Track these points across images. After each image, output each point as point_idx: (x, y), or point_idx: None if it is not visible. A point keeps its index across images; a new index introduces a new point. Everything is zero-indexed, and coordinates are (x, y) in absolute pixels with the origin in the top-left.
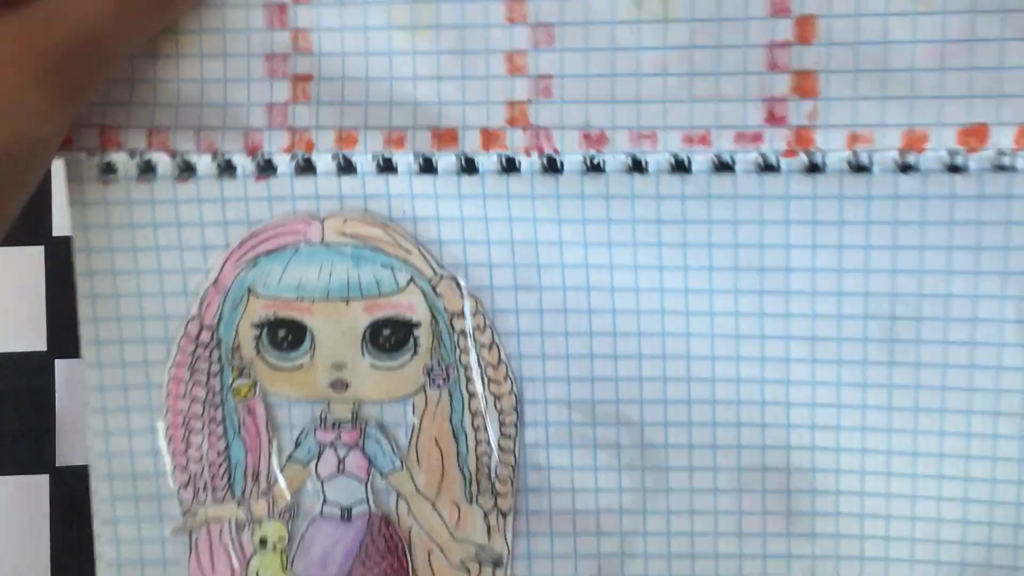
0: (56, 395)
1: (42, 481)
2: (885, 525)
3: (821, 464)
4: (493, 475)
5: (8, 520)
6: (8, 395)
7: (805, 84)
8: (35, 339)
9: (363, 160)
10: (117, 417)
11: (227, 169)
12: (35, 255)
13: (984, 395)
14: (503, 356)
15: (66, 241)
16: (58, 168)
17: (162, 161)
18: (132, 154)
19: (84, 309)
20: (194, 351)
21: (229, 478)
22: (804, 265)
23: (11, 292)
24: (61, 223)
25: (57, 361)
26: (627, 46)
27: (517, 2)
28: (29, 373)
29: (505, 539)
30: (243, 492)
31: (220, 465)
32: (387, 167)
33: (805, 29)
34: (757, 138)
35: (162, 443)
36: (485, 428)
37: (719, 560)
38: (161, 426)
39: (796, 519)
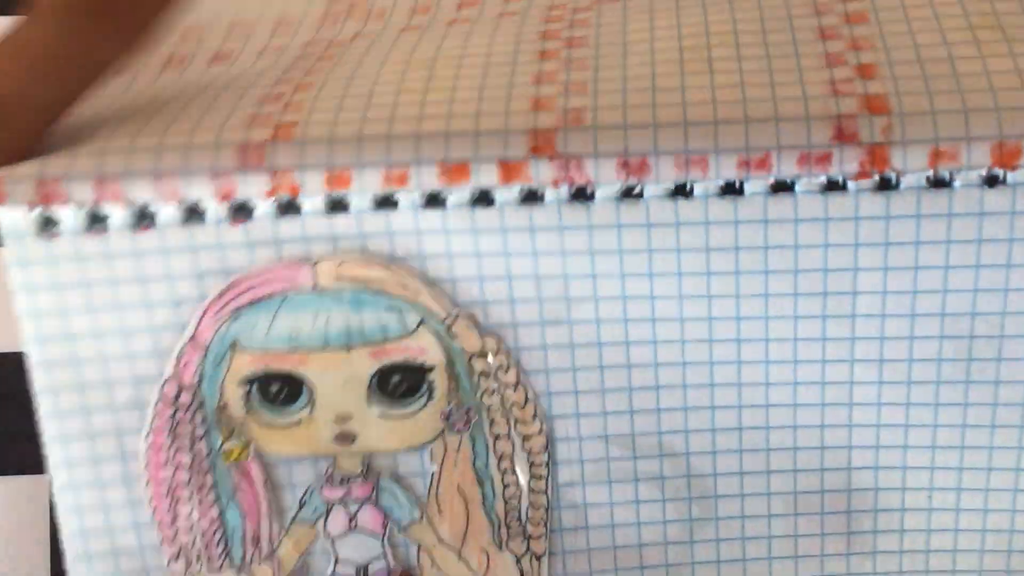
0: None
1: (42, 481)
2: (953, 538)
3: (885, 483)
4: (524, 518)
5: (8, 520)
6: (7, 395)
7: (875, 102)
8: None
9: (359, 197)
10: (90, 493)
11: (194, 215)
12: None
13: None
14: (530, 395)
15: None
16: None
17: (115, 212)
18: (79, 206)
19: (40, 379)
20: (173, 414)
21: (226, 545)
22: (874, 288)
23: (11, 292)
24: None
25: None
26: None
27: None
28: (29, 373)
29: None
30: (243, 559)
31: (214, 533)
32: (386, 203)
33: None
34: (824, 159)
35: (146, 515)
36: (513, 471)
37: None
38: (144, 497)
39: (856, 538)
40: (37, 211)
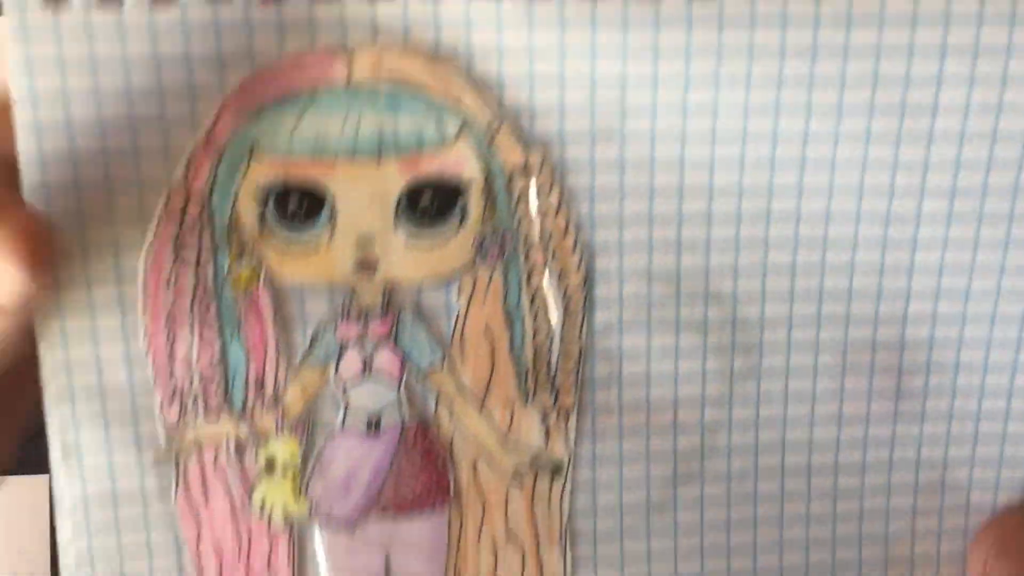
0: None
1: (42, 481)
2: (1007, 403)
3: (941, 335)
4: (554, 366)
5: (8, 520)
6: None
7: None
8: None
9: None
10: (78, 319)
11: None
12: None
13: None
14: (573, 222)
15: None
16: None
17: None
18: None
19: (29, 175)
20: (178, 230)
21: (225, 388)
22: (955, 104)
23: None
24: None
25: None
26: None
27: None
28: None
29: (567, 442)
30: (244, 405)
31: (214, 373)
32: None
33: None
34: None
35: (140, 346)
36: (546, 310)
37: (812, 448)
38: (139, 325)
39: (905, 401)
40: None
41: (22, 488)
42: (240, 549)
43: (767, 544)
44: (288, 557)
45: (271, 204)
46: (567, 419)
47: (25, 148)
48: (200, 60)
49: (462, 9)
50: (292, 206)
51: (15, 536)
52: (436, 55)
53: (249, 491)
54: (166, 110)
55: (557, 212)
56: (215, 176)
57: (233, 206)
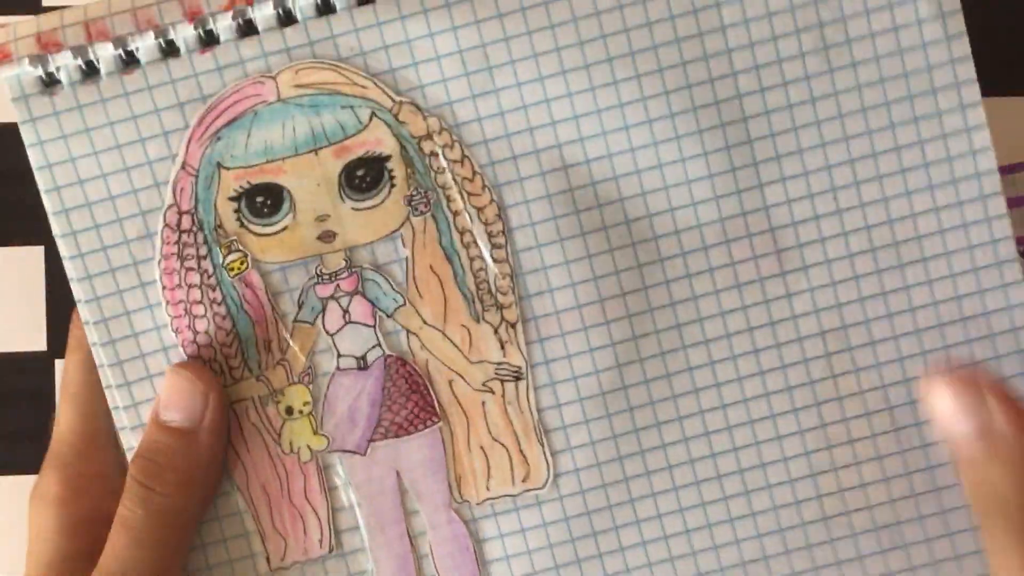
0: (56, 395)
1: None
2: (868, 235)
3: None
4: (493, 288)
5: (8, 520)
6: (8, 395)
7: None
8: (35, 339)
9: (302, 5)
10: (118, 324)
11: (170, 51)
12: (35, 255)
13: None
14: (476, 167)
15: None
16: None
17: (104, 56)
18: (75, 53)
19: (59, 226)
20: (179, 239)
21: (243, 355)
22: None
23: (11, 292)
24: None
25: (57, 361)
26: None
27: None
28: (29, 373)
29: (520, 350)
30: (259, 365)
31: (231, 344)
32: (326, 8)
33: None
34: None
35: (171, 334)
36: (475, 242)
37: (726, 317)
38: (165, 317)
39: (787, 255)
40: (40, 67)
41: (22, 488)
42: (281, 485)
43: (710, 407)
44: (320, 485)
45: (243, 204)
46: (515, 329)
47: (51, 206)
48: (164, 108)
49: (348, 20)
50: (259, 203)
51: (15, 536)
52: (339, 62)
53: (279, 433)
54: (147, 152)
55: (462, 162)
56: (196, 193)
57: (215, 212)
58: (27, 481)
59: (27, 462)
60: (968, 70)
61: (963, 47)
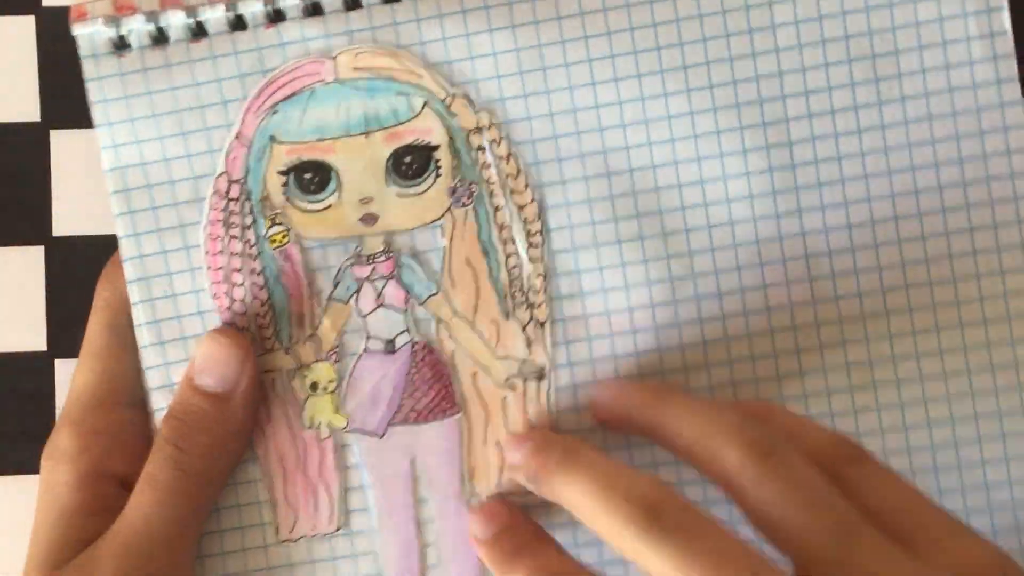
0: (56, 395)
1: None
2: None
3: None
4: (526, 286)
5: (8, 520)
6: (8, 395)
7: None
8: (35, 339)
9: None
10: (160, 283)
11: (238, 24)
12: (35, 255)
13: None
14: (521, 165)
15: (66, 241)
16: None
17: (175, 24)
18: (148, 18)
19: (114, 182)
20: (226, 206)
21: (275, 327)
22: None
23: (11, 292)
24: (61, 223)
25: (57, 361)
26: None
27: None
28: (29, 373)
29: (545, 350)
30: (289, 339)
31: (265, 315)
32: None
33: None
34: None
35: (208, 300)
36: (512, 240)
37: (752, 338)
38: (205, 282)
39: (818, 283)
40: (112, 29)
41: (22, 488)
42: (298, 459)
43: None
44: (335, 463)
45: (291, 179)
46: (543, 329)
47: (107, 162)
48: (226, 78)
49: (411, 9)
50: (307, 179)
51: (15, 536)
52: (398, 49)
53: (301, 408)
54: (206, 119)
55: (508, 159)
56: (247, 163)
57: (263, 184)
58: (27, 481)
59: (27, 462)
60: (1018, 115)
61: (1014, 91)
